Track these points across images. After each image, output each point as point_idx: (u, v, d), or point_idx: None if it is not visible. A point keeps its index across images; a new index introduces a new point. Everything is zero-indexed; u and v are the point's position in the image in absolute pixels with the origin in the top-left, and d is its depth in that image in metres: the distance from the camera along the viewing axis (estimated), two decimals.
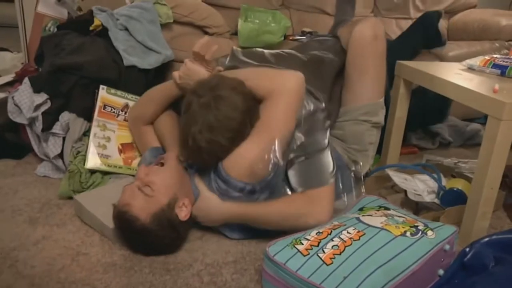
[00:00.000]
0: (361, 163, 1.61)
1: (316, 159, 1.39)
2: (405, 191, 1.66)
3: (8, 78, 2.34)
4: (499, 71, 1.59)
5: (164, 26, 2.12)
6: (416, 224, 1.21)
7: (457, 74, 1.60)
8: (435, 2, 3.07)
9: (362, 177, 1.62)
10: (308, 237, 1.17)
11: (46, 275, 1.19)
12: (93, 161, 1.65)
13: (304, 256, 1.10)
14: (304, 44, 1.96)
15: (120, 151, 1.73)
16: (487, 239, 1.20)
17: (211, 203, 1.33)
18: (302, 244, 1.14)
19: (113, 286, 1.17)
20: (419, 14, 3.05)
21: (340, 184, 1.53)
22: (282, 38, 2.23)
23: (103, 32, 1.98)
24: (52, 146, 1.75)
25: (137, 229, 1.24)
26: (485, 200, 1.35)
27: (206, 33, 2.25)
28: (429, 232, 1.18)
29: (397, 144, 1.85)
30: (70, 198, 1.55)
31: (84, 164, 1.64)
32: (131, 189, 1.29)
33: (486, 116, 1.34)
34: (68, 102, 1.79)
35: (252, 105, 1.34)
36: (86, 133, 1.78)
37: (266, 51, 1.72)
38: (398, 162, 1.88)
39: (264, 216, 1.32)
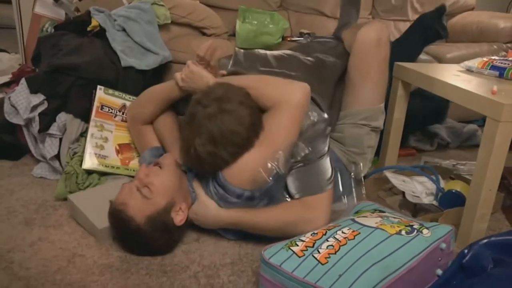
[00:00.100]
0: (361, 164, 1.60)
1: (315, 165, 1.38)
2: (403, 193, 1.65)
3: (5, 78, 2.33)
4: (497, 73, 1.59)
5: (162, 27, 2.12)
6: (411, 224, 1.21)
7: (455, 76, 1.60)
8: (433, 4, 3.06)
9: (362, 179, 1.62)
10: (303, 238, 1.17)
11: (42, 277, 1.18)
12: (90, 161, 1.64)
13: (300, 257, 1.09)
14: (305, 44, 1.96)
15: (118, 152, 1.72)
16: (485, 240, 1.20)
17: (208, 208, 1.32)
18: (297, 245, 1.14)
19: None
20: (417, 16, 3.07)
21: (340, 187, 1.52)
22: (280, 39, 2.22)
23: (101, 33, 1.98)
24: (49, 147, 1.74)
25: (131, 229, 1.24)
26: (483, 202, 1.34)
27: (204, 34, 2.25)
28: (425, 231, 1.18)
29: (395, 145, 1.85)
30: (67, 199, 1.54)
31: (80, 165, 1.64)
32: (130, 188, 1.28)
33: (484, 119, 1.34)
34: (65, 103, 1.78)
35: (257, 119, 1.32)
36: (83, 134, 1.78)
37: (268, 52, 1.70)
38: (396, 164, 1.88)
39: (260, 224, 1.32)
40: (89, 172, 1.66)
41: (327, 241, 1.13)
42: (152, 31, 2.04)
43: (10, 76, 2.31)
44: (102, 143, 1.70)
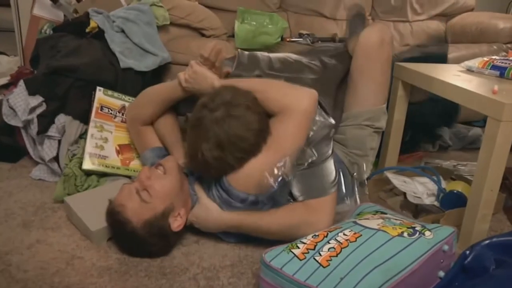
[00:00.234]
0: (364, 165, 1.60)
1: (319, 168, 1.37)
2: (405, 194, 1.64)
3: (3, 80, 2.33)
4: (498, 73, 1.58)
5: (161, 28, 2.11)
6: (413, 225, 1.20)
7: (456, 76, 1.59)
8: (432, 5, 3.07)
9: (365, 180, 1.61)
10: (304, 240, 1.16)
11: (40, 279, 1.17)
12: (90, 162, 1.63)
13: (301, 260, 1.08)
14: (309, 50, 1.95)
15: (118, 152, 1.71)
16: (487, 241, 1.19)
17: (210, 211, 1.31)
18: (299, 248, 1.12)
19: None
20: (417, 17, 3.07)
21: (343, 188, 1.51)
22: (279, 39, 2.22)
23: (100, 34, 1.97)
24: (48, 149, 1.73)
25: (126, 231, 1.23)
26: (485, 202, 1.33)
27: (203, 35, 2.25)
28: (427, 233, 1.17)
29: (395, 147, 1.83)
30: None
31: (79, 167, 1.63)
32: (129, 190, 1.27)
33: (484, 120, 1.33)
34: (63, 105, 1.78)
35: (265, 124, 1.30)
36: (82, 136, 1.77)
37: (272, 55, 1.69)
38: (397, 165, 1.87)
39: (263, 227, 1.30)
40: (88, 174, 1.65)
41: (329, 243, 1.12)
42: (151, 32, 2.04)
43: (9, 78, 2.30)
44: (102, 143, 1.69)
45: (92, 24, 1.98)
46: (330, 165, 1.39)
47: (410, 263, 1.07)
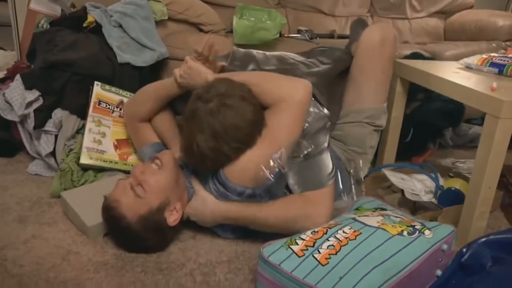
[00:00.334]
0: (361, 163, 1.59)
1: (315, 160, 1.36)
2: (403, 191, 1.64)
3: (0, 75, 2.31)
4: (496, 70, 1.58)
5: (159, 23, 2.10)
6: (413, 224, 1.20)
7: (455, 73, 1.59)
8: (431, 2, 3.06)
9: (362, 178, 1.61)
10: (303, 236, 1.15)
11: (35, 275, 1.17)
12: (87, 156, 1.62)
13: (299, 257, 1.08)
14: (307, 51, 1.94)
15: (116, 147, 1.70)
16: (484, 239, 1.19)
17: (207, 203, 1.30)
18: (297, 244, 1.12)
19: (104, 286, 1.14)
20: (416, 14, 3.07)
21: (340, 185, 1.51)
22: (278, 35, 2.21)
23: (97, 28, 1.96)
24: (44, 144, 1.72)
25: (121, 227, 1.23)
26: (483, 199, 1.33)
27: (201, 30, 2.23)
28: (427, 232, 1.17)
29: (393, 143, 1.83)
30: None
31: (76, 162, 1.62)
32: (124, 186, 1.27)
33: (482, 118, 1.33)
34: (60, 99, 1.76)
35: (260, 115, 1.30)
36: (79, 131, 1.76)
37: (267, 53, 1.69)
38: (395, 162, 1.86)
39: (261, 219, 1.29)
40: (85, 169, 1.64)
41: (328, 240, 1.11)
42: (148, 27, 2.02)
43: (5, 72, 2.28)
44: (100, 138, 1.68)
45: (90, 18, 1.97)
46: (327, 157, 1.38)
47: (410, 263, 1.07)
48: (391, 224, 1.17)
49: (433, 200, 1.59)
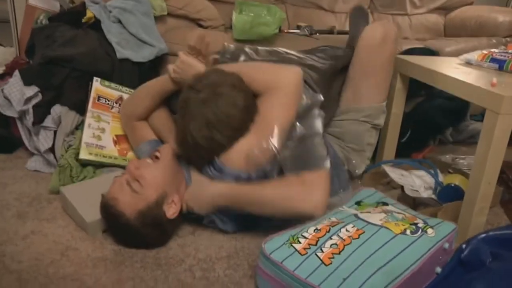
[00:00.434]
0: (359, 160, 1.59)
1: (309, 143, 1.34)
2: (402, 187, 1.64)
3: None
4: (497, 66, 1.57)
5: (158, 18, 2.09)
6: (416, 222, 1.19)
7: (455, 69, 1.58)
8: None
9: (359, 175, 1.61)
10: (305, 234, 1.14)
11: (34, 270, 1.16)
12: (87, 151, 1.62)
13: (302, 255, 1.07)
14: (305, 50, 1.94)
15: (115, 143, 1.70)
16: (484, 235, 1.18)
17: (204, 185, 1.30)
18: (300, 242, 1.11)
19: (103, 281, 1.14)
20: (416, 10, 3.06)
21: (337, 181, 1.50)
22: (277, 30, 2.20)
23: (96, 24, 1.96)
24: (43, 140, 1.71)
25: (121, 224, 1.23)
26: (482, 195, 1.33)
27: (200, 26, 2.23)
28: (429, 230, 1.16)
29: (393, 140, 1.83)
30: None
31: (75, 158, 1.61)
32: (120, 183, 1.27)
33: (482, 114, 1.32)
34: (59, 95, 1.76)
35: (251, 102, 1.30)
36: (78, 127, 1.75)
37: (260, 48, 1.69)
38: (394, 159, 1.86)
39: (256, 198, 1.26)
40: (84, 165, 1.64)
41: (331, 239, 1.10)
42: (148, 23, 2.02)
43: (4, 68, 2.28)
44: (99, 133, 1.68)
45: (89, 14, 1.96)
46: (320, 141, 1.37)
47: (413, 263, 1.06)
48: (394, 222, 1.16)
49: (433, 196, 1.59)
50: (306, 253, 1.07)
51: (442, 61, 1.73)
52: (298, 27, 2.54)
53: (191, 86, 1.28)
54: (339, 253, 1.06)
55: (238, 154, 1.26)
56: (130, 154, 1.70)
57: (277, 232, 1.17)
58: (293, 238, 1.13)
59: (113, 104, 1.77)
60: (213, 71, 1.34)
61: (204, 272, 1.20)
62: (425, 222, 1.20)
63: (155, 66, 2.01)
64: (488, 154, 1.28)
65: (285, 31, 2.46)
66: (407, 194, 1.58)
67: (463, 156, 1.92)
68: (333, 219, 1.21)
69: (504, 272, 1.07)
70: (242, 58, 1.60)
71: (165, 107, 1.60)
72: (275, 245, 1.11)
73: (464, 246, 1.16)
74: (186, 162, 1.39)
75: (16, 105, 1.71)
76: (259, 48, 1.68)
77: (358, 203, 1.33)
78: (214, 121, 1.23)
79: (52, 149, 1.72)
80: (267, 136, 1.26)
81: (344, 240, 1.10)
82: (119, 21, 1.97)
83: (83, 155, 1.61)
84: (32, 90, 1.72)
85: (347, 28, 2.53)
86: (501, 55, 1.59)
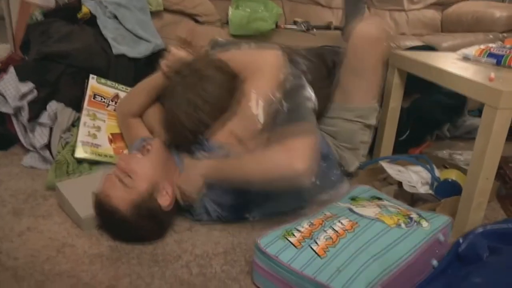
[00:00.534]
0: (348, 159, 1.58)
1: (294, 114, 1.34)
2: (398, 183, 1.64)
3: None
4: (494, 61, 1.57)
5: (154, 14, 2.08)
6: (410, 214, 1.19)
7: (453, 64, 1.58)
8: None
9: (352, 173, 1.61)
10: (300, 228, 1.14)
11: (30, 267, 1.16)
12: (82, 150, 1.61)
13: (297, 248, 1.07)
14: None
15: (111, 141, 1.69)
16: (481, 229, 1.19)
17: (190, 166, 1.33)
18: (294, 236, 1.11)
19: (99, 278, 1.13)
20: (413, 6, 3.06)
21: (332, 178, 1.51)
22: (274, 25, 2.19)
23: (92, 20, 1.94)
24: (39, 136, 1.70)
25: (116, 220, 1.23)
26: (480, 190, 1.32)
27: (196, 21, 2.22)
28: (423, 222, 1.17)
29: (390, 136, 1.82)
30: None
31: (72, 154, 1.61)
32: (111, 179, 1.27)
33: (479, 109, 1.32)
34: (55, 91, 1.75)
35: (236, 84, 1.34)
36: (75, 124, 1.74)
37: (254, 44, 1.69)
38: (392, 154, 1.86)
39: (241, 168, 1.26)
40: (80, 161, 1.63)
41: (325, 232, 1.11)
42: (144, 19, 2.01)
43: None
44: (94, 132, 1.67)
45: (84, 9, 1.95)
46: (306, 91, 1.41)
47: (407, 254, 1.06)
48: (388, 215, 1.17)
49: (430, 191, 1.59)
50: (301, 246, 1.07)
51: (439, 56, 1.73)
52: (295, 23, 2.53)
53: (178, 72, 1.34)
54: (334, 246, 1.06)
55: (226, 133, 1.29)
56: (126, 153, 1.69)
57: (272, 227, 1.17)
58: (287, 232, 1.13)
59: (109, 102, 1.76)
60: (198, 57, 1.40)
61: (201, 268, 1.20)
62: (419, 215, 1.20)
63: (151, 62, 1.98)
64: (486, 149, 1.27)
65: (282, 26, 2.46)
66: (406, 190, 1.58)
67: (460, 152, 1.92)
68: (328, 213, 1.22)
69: (501, 265, 1.07)
70: (231, 48, 1.60)
71: (159, 103, 1.60)
72: (270, 239, 1.11)
73: (461, 240, 1.17)
74: (176, 149, 1.40)
75: (11, 101, 1.70)
76: (253, 44, 1.68)
77: (353, 198, 1.33)
78: (200, 102, 1.28)
79: (48, 146, 1.70)
80: (253, 113, 1.29)
81: (338, 233, 1.10)
82: (115, 17, 1.96)
83: (79, 153, 1.61)
84: (27, 86, 1.71)
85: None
86: (499, 50, 1.59)
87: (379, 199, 1.31)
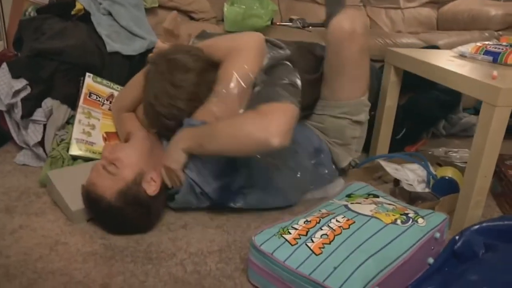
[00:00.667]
0: (339, 155, 1.57)
1: (269, 89, 1.32)
2: (394, 181, 1.63)
3: None
4: (491, 58, 1.56)
5: (149, 11, 2.07)
6: (406, 212, 1.19)
7: (449, 61, 1.57)
8: None
9: (344, 168, 1.60)
10: (295, 226, 1.14)
11: (22, 265, 1.14)
12: (77, 147, 1.60)
13: (292, 245, 1.06)
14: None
15: (105, 139, 1.68)
16: (477, 226, 1.19)
17: (171, 143, 1.33)
18: (290, 233, 1.11)
19: (92, 276, 1.12)
20: (408, 4, 3.06)
21: (326, 174, 1.52)
22: (269, 22, 2.18)
23: (86, 16, 1.92)
24: (32, 134, 1.69)
25: (103, 208, 1.23)
26: (478, 188, 1.32)
27: (192, 18, 2.21)
28: (420, 220, 1.16)
29: (387, 134, 1.82)
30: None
31: (67, 151, 1.59)
32: (97, 168, 1.28)
33: (475, 107, 1.31)
34: (49, 88, 1.73)
35: (205, 66, 1.35)
36: (70, 121, 1.73)
37: None
38: (388, 152, 1.85)
39: (215, 133, 1.24)
40: (75, 158, 1.61)
41: (321, 229, 1.10)
42: (138, 15, 1.99)
43: None
44: (89, 130, 1.66)
45: (78, 6, 1.93)
46: (287, 68, 1.41)
47: (404, 252, 1.06)
48: (385, 213, 1.16)
49: (427, 189, 1.58)
50: (297, 243, 1.06)
51: (436, 54, 1.72)
52: (291, 20, 2.52)
53: (152, 61, 1.37)
54: (330, 243, 1.05)
55: (206, 113, 1.31)
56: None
57: (267, 225, 1.17)
58: (283, 230, 1.12)
59: (104, 101, 1.75)
60: (174, 46, 1.42)
61: (196, 266, 1.19)
62: (415, 212, 1.20)
63: (146, 59, 1.98)
64: (484, 147, 1.27)
65: (277, 23, 2.45)
66: (405, 188, 1.57)
67: (455, 149, 1.91)
68: (323, 210, 1.21)
69: (497, 263, 1.07)
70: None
71: None
72: (265, 237, 1.10)
73: (457, 237, 1.17)
74: (166, 139, 1.40)
75: (4, 98, 1.68)
76: None
77: (349, 195, 1.32)
78: (169, 88, 1.30)
79: (41, 143, 1.69)
80: (233, 92, 1.31)
81: (334, 230, 1.09)
82: (109, 13, 1.94)
83: (73, 151, 1.59)
84: (20, 83, 1.69)
85: None
86: (495, 48, 1.58)
87: (376, 196, 1.30)
